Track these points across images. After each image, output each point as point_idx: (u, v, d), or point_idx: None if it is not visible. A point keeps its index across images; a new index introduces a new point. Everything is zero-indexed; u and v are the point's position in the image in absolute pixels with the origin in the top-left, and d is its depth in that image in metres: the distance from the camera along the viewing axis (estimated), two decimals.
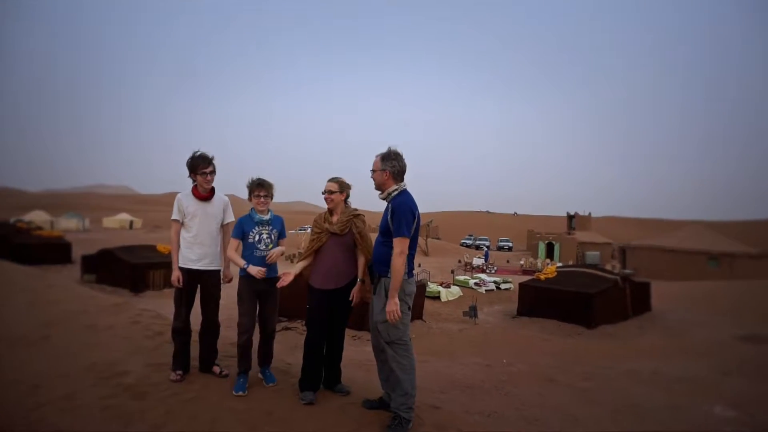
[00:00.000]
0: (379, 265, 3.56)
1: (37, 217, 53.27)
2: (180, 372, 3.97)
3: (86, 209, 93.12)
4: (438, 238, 57.33)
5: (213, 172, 4.09)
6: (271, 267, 4.05)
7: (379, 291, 3.53)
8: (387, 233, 3.52)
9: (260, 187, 4.01)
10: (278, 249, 4.04)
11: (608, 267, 28.64)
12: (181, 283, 3.97)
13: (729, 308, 14.88)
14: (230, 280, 4.29)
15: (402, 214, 3.42)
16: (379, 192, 3.67)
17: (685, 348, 9.92)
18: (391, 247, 3.43)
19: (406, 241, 3.42)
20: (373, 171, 3.63)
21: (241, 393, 3.76)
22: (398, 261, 3.36)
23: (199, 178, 4.04)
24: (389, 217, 3.48)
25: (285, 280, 3.76)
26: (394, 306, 3.33)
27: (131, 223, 66.31)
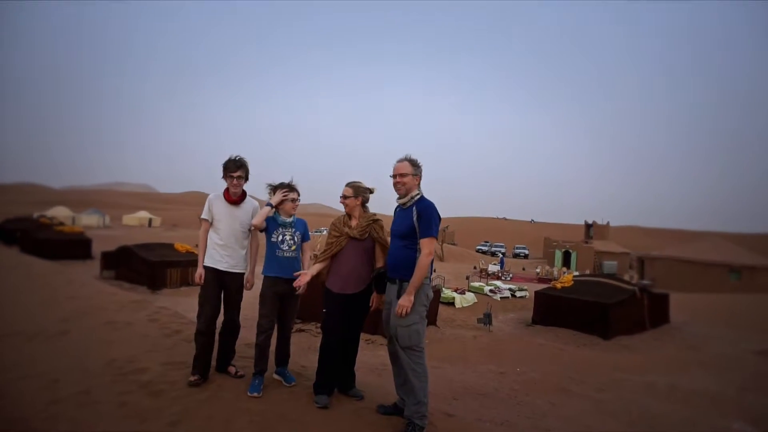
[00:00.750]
0: (401, 269, 3.56)
1: (60, 212, 54.20)
2: (198, 376, 3.99)
3: (107, 206, 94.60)
4: (454, 244, 57.07)
5: (241, 177, 4.12)
6: (296, 269, 4.07)
7: (400, 294, 3.52)
8: (409, 236, 3.56)
9: (293, 191, 4.13)
10: (304, 278, 4.01)
11: (626, 277, 28.23)
12: (202, 280, 4.01)
13: (749, 322, 14.60)
14: (251, 287, 4.32)
15: (431, 215, 3.52)
16: (401, 196, 3.69)
17: (704, 361, 9.74)
18: (414, 250, 3.52)
19: (434, 242, 3.52)
20: (403, 175, 3.64)
21: (255, 394, 3.79)
22: (426, 261, 3.43)
23: (227, 181, 4.10)
24: (415, 219, 3.53)
25: (301, 281, 3.78)
26: (407, 302, 3.38)
27: (150, 220, 67.08)
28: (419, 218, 3.52)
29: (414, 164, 3.68)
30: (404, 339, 3.46)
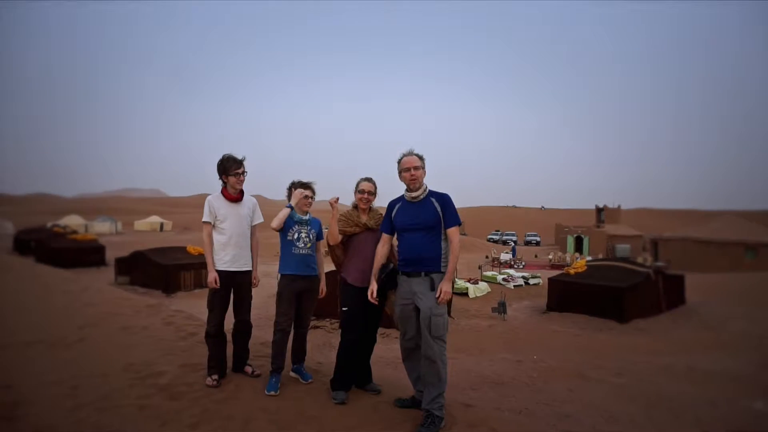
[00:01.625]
0: (428, 262, 3.57)
1: (72, 221, 54.74)
2: (216, 377, 4.00)
3: (118, 213, 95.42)
4: (464, 234, 56.92)
5: (244, 172, 4.15)
6: (313, 266, 4.15)
7: (435, 286, 3.53)
8: (435, 228, 3.60)
9: (308, 189, 4.15)
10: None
11: (639, 260, 28.03)
12: (218, 284, 4.01)
13: (767, 300, 14.43)
14: (257, 284, 4.33)
15: (452, 204, 3.64)
16: (413, 189, 3.68)
17: (722, 342, 9.66)
18: (439, 241, 3.59)
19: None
20: (417, 168, 3.65)
21: (273, 393, 3.80)
22: (459, 248, 3.60)
23: (231, 179, 4.08)
24: (440, 209, 3.59)
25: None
26: (448, 287, 3.46)
27: (162, 225, 67.54)
28: (444, 208, 3.60)
29: (421, 157, 3.73)
30: (438, 329, 3.48)
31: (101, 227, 56.98)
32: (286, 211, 4.03)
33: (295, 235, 4.08)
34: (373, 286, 3.73)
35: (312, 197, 4.20)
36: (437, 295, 3.46)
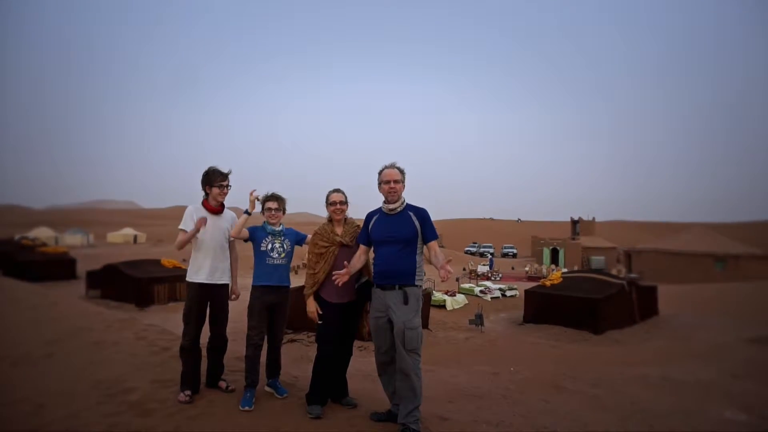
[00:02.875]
0: (403, 276, 3.57)
1: (42, 233, 53.38)
2: (189, 392, 3.92)
3: (90, 225, 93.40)
4: (442, 246, 57.17)
5: (228, 186, 4.14)
6: (281, 277, 4.11)
7: (408, 300, 3.52)
8: (413, 242, 3.61)
9: (273, 201, 4.12)
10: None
11: (614, 272, 28.48)
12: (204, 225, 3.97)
13: (737, 310, 14.79)
14: (237, 297, 4.28)
15: (429, 218, 3.68)
16: (392, 202, 3.68)
17: (694, 351, 9.83)
18: (413, 255, 3.60)
19: None
20: (396, 181, 3.67)
21: (247, 408, 3.74)
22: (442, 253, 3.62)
23: (215, 190, 4.07)
24: (418, 224, 3.61)
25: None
26: (451, 269, 3.44)
27: (135, 237, 66.33)
28: (423, 223, 3.63)
29: (401, 171, 3.75)
30: (411, 342, 3.46)
31: (72, 240, 55.66)
32: (243, 218, 4.05)
33: (269, 246, 4.07)
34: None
35: (276, 209, 4.13)
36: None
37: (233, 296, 4.26)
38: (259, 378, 3.99)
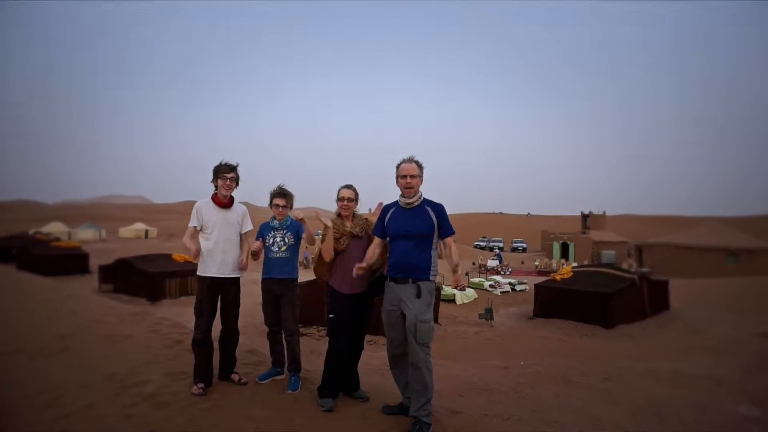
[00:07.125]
0: (417, 270, 3.57)
1: (55, 228, 53.89)
2: (202, 385, 3.95)
3: (102, 219, 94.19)
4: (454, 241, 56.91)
5: (233, 179, 4.13)
6: (288, 269, 4.24)
7: (421, 293, 3.54)
8: (428, 237, 3.62)
9: (281, 197, 4.25)
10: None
11: (624, 266, 28.32)
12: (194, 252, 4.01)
13: (749, 305, 14.65)
14: (246, 267, 4.27)
15: (446, 214, 3.68)
16: (409, 197, 3.68)
17: (706, 346, 9.78)
18: (429, 250, 3.61)
19: None
20: (414, 176, 3.65)
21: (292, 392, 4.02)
22: (457, 252, 3.69)
23: (219, 182, 4.08)
24: (435, 219, 3.62)
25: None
26: (463, 280, 3.50)
27: (147, 232, 66.78)
28: (441, 218, 3.63)
29: (419, 165, 3.73)
30: (423, 335, 3.47)
31: (85, 234, 56.17)
32: (257, 244, 4.28)
33: (271, 240, 4.24)
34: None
35: (284, 206, 4.26)
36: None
37: (242, 264, 4.20)
38: (284, 360, 4.28)
